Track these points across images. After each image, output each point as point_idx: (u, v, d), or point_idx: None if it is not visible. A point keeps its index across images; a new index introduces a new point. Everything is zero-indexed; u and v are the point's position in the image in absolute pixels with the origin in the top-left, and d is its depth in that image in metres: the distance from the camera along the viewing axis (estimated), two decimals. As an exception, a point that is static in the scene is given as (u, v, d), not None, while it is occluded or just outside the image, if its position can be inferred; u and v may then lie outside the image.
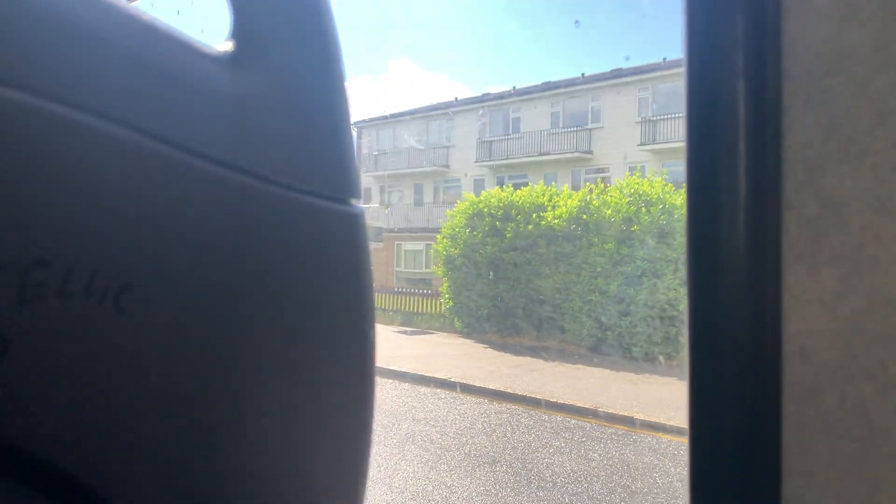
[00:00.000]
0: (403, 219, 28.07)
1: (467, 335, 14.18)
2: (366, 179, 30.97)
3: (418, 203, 29.42)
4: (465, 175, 27.82)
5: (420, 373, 10.10)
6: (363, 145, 31.04)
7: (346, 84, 0.43)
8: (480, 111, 27.09)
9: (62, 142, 0.29)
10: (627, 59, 25.94)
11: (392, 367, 10.50)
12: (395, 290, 18.35)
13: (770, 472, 0.51)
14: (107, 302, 0.30)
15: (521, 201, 13.63)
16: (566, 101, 24.57)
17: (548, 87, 25.16)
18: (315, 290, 0.40)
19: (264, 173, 0.37)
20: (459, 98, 28.86)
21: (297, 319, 0.39)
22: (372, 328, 0.44)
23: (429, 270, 27.43)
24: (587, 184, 13.58)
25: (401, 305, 17.48)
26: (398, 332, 15.13)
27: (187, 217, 0.33)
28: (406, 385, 9.60)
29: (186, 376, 0.34)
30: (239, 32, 0.38)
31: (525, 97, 25.74)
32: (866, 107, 0.47)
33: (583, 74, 24.32)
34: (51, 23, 0.30)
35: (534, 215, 13.09)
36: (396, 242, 27.09)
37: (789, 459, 0.50)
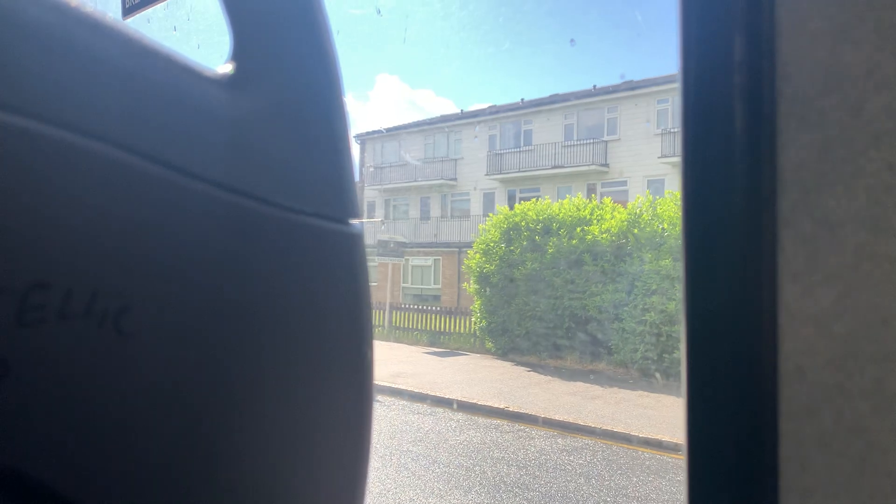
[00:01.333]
0: (410, 233, 27.22)
1: (502, 356, 13.35)
2: (370, 193, 30.18)
3: (425, 217, 28.65)
4: (475, 188, 27.10)
5: (471, 400, 9.28)
6: (367, 158, 30.26)
7: (345, 105, 0.43)
8: (490, 123, 26.44)
9: (61, 165, 0.29)
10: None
11: (438, 394, 9.67)
12: (420, 308, 17.42)
13: (767, 489, 0.50)
14: (106, 324, 0.30)
15: (561, 214, 12.88)
16: (581, 113, 23.97)
17: (560, 98, 24.59)
18: (314, 309, 0.40)
19: (263, 195, 0.37)
20: (465, 111, 28.24)
21: (295, 340, 0.39)
22: (370, 347, 0.44)
23: (437, 287, 26.65)
24: (637, 196, 12.83)
25: (423, 324, 16.58)
26: (428, 353, 14.27)
27: (185, 239, 0.34)
28: (460, 415, 8.77)
29: (186, 398, 0.34)
30: (239, 54, 0.38)
31: (537, 108, 25.11)
32: (860, 128, 0.47)
33: (594, 86, 23.79)
34: (49, 46, 0.30)
35: (578, 229, 12.33)
36: (404, 257, 26.22)
37: (787, 477, 0.50)
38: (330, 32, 0.42)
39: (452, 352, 14.55)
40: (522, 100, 26.19)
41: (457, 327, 15.67)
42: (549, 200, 13.73)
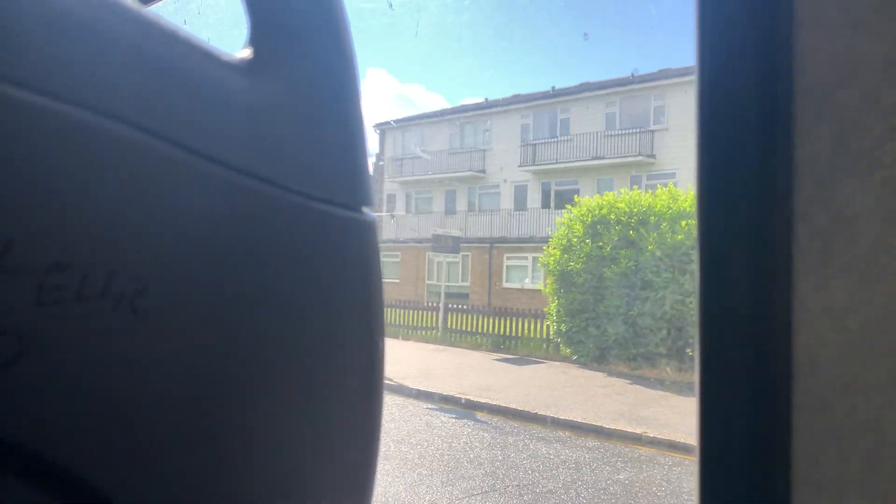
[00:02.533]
0: (435, 228, 25.73)
1: (583, 365, 11.95)
2: (389, 186, 28.66)
3: (450, 211, 27.20)
4: (505, 181, 25.69)
5: (594, 422, 7.88)
6: (388, 149, 28.73)
7: (360, 92, 0.43)
8: (523, 112, 25.01)
9: (80, 146, 0.30)
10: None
11: (546, 413, 8.26)
12: (479, 309, 15.92)
13: (780, 483, 0.50)
14: (123, 305, 0.31)
15: (659, 206, 11.49)
16: (623, 101, 22.60)
17: (595, 86, 23.21)
18: (325, 295, 0.40)
19: (278, 179, 0.37)
20: (490, 99, 26.78)
21: (306, 324, 0.39)
22: (381, 335, 0.44)
23: (466, 284, 25.21)
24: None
25: (480, 327, 15.13)
26: (499, 360, 12.84)
27: (201, 220, 0.34)
28: (592, 442, 7.36)
29: (199, 381, 0.34)
30: (256, 40, 0.39)
31: (574, 97, 23.71)
32: (877, 120, 0.47)
33: (632, 74, 22.43)
34: (71, 28, 0.30)
35: (682, 223, 10.95)
36: (427, 253, 24.73)
37: (799, 471, 0.50)
38: (347, 20, 0.42)
39: (524, 359, 13.11)
40: (553, 88, 24.80)
41: (521, 331, 14.24)
42: (639, 191, 12.34)
